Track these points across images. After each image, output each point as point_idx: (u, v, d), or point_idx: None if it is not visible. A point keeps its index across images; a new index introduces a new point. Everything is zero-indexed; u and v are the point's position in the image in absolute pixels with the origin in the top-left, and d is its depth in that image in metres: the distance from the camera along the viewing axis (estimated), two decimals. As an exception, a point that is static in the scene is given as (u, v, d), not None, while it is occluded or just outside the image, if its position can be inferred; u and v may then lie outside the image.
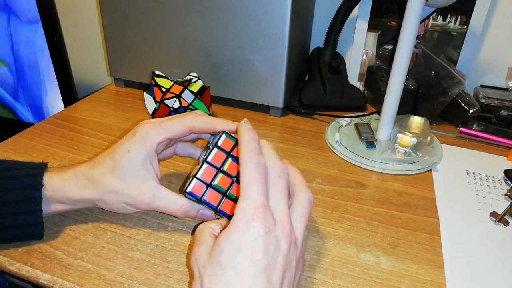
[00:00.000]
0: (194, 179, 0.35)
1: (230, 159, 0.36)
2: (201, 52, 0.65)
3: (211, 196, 0.35)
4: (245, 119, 0.34)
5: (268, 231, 0.27)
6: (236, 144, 0.36)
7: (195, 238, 0.31)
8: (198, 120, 0.37)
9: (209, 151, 0.36)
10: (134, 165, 0.36)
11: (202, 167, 0.36)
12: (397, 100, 0.56)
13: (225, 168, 0.36)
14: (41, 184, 0.36)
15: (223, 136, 0.36)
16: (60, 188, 0.37)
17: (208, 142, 0.41)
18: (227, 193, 0.36)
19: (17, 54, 0.79)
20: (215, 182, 0.35)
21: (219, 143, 0.36)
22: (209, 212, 0.38)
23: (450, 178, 0.53)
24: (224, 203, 0.36)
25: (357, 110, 0.70)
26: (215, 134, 0.38)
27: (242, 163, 0.30)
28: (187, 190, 0.35)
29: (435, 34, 0.72)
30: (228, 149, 0.36)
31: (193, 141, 0.43)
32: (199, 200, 0.35)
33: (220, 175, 0.36)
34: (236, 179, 0.36)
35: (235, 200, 0.36)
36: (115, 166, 0.36)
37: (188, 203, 0.37)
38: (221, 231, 0.30)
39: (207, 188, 0.36)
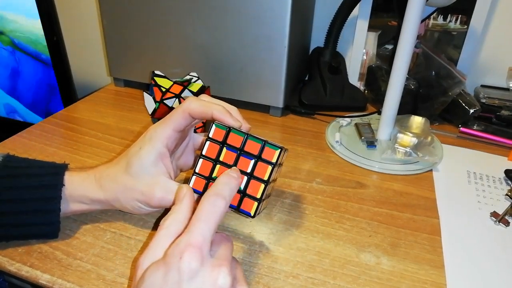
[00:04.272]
0: (194, 175, 0.36)
1: (224, 149, 0.35)
2: (201, 52, 0.65)
3: None
4: (234, 168, 0.34)
5: (192, 276, 0.26)
6: (228, 132, 0.35)
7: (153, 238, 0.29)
8: (195, 104, 0.36)
9: (203, 144, 0.36)
10: (145, 163, 0.36)
11: (199, 162, 0.36)
12: (398, 100, 0.56)
13: (221, 158, 0.35)
14: (61, 184, 0.37)
15: (213, 127, 0.36)
16: (80, 186, 0.38)
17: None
18: None
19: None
20: (214, 174, 0.35)
21: (210, 135, 0.36)
22: None
23: (450, 178, 0.53)
24: None
25: (357, 110, 0.70)
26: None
27: (202, 202, 0.29)
28: None
29: (436, 34, 0.72)
30: (220, 139, 0.35)
31: None
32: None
33: (218, 166, 0.35)
34: (235, 166, 0.35)
35: (238, 190, 0.35)
36: (128, 165, 0.37)
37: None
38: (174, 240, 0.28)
39: (207, 182, 0.36)
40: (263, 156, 0.35)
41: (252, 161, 0.35)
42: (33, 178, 0.37)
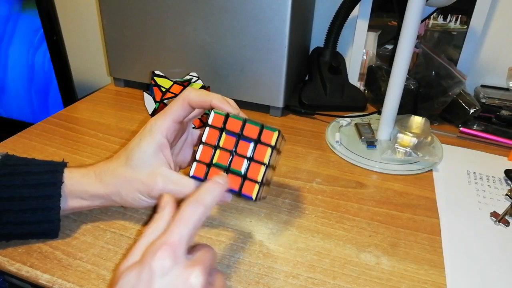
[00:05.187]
0: (194, 162, 0.36)
1: (224, 134, 0.36)
2: (201, 52, 0.65)
3: (215, 175, 0.35)
4: (223, 174, 0.34)
5: (164, 273, 0.26)
6: (227, 117, 0.36)
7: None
8: (194, 93, 0.37)
9: (203, 131, 0.36)
10: (145, 154, 0.37)
11: (199, 148, 0.36)
12: (398, 100, 0.56)
13: (221, 144, 0.36)
14: (60, 182, 0.37)
15: (212, 113, 0.36)
16: (79, 182, 0.38)
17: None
18: (230, 168, 0.36)
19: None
20: (215, 160, 0.36)
21: (209, 122, 0.36)
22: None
23: (450, 178, 0.53)
24: (229, 179, 0.35)
25: (357, 110, 0.70)
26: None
27: (182, 206, 0.29)
28: (190, 175, 0.36)
29: (436, 34, 0.72)
30: (219, 125, 0.36)
31: None
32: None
33: (218, 151, 0.36)
34: (235, 151, 0.36)
35: (239, 174, 0.35)
36: (128, 157, 0.37)
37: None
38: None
39: (208, 168, 0.36)
40: (262, 139, 0.35)
41: (252, 144, 0.35)
42: (32, 176, 0.37)
